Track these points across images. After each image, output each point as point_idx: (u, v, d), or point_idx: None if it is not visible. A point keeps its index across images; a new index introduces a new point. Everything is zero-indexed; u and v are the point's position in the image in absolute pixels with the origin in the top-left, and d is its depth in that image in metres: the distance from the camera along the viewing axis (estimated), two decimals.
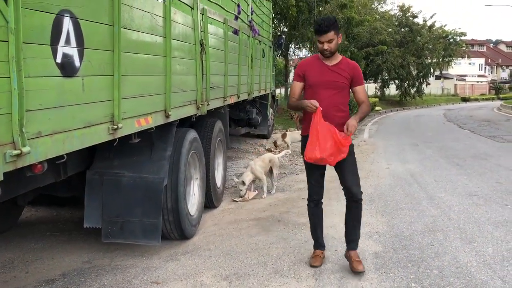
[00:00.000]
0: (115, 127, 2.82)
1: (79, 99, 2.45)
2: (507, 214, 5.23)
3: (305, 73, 3.68)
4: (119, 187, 3.82)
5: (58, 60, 2.24)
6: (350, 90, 3.75)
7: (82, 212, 3.85)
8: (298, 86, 3.73)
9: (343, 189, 3.73)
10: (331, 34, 3.48)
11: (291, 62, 30.98)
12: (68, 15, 2.31)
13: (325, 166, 3.71)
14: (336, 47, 3.56)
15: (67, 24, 2.29)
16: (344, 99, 3.69)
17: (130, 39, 3.03)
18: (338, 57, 3.67)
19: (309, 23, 19.14)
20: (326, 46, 3.51)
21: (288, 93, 30.07)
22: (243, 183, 6.04)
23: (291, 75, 35.54)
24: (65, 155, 2.39)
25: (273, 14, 15.31)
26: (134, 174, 3.86)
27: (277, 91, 23.13)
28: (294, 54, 31.89)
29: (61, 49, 2.26)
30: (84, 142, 2.52)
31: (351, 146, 3.63)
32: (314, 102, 3.49)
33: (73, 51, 2.36)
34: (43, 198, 4.88)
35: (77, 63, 2.40)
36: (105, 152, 3.87)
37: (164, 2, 3.66)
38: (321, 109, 3.49)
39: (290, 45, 26.27)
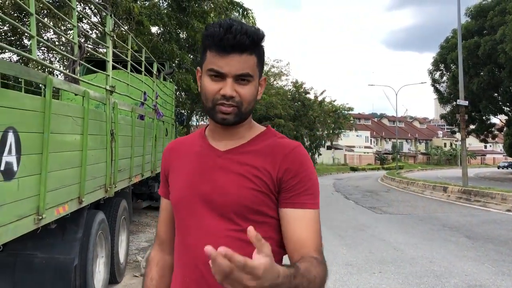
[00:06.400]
0: (40, 217, 3.30)
1: (15, 197, 2.94)
2: (373, 281, 6.20)
3: (169, 173, 1.52)
4: (32, 267, 4.15)
5: (2, 168, 2.74)
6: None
7: None
8: (164, 207, 1.57)
9: None
10: (249, 60, 1.32)
11: (192, 129, 32.01)
12: (12, 131, 2.85)
13: None
14: (253, 99, 1.38)
15: (10, 138, 2.82)
16: (267, 239, 1.03)
17: (55, 141, 3.57)
18: (253, 129, 1.46)
19: None
20: (230, 90, 1.30)
21: None
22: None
23: None
24: (1, 246, 2.83)
25: (176, 88, 16.23)
26: (46, 255, 4.22)
27: None
28: (197, 126, 32.94)
29: (5, 158, 2.77)
30: (16, 232, 2.98)
31: None
32: None
33: (13, 158, 2.88)
34: None
35: (15, 168, 2.91)
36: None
37: (83, 105, 4.25)
38: None
39: (192, 116, 27.31)
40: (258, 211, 1.33)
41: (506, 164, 64.06)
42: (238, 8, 17.28)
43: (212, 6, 16.56)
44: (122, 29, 12.41)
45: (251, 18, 17.61)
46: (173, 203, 1.46)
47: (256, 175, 1.34)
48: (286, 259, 1.36)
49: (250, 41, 1.30)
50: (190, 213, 1.38)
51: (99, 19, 15.18)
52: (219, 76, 1.30)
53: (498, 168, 63.49)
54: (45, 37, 15.28)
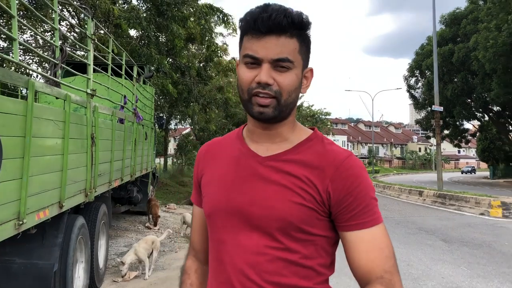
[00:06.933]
0: (21, 222, 3.25)
1: None
2: (353, 285, 6.25)
3: (202, 178, 1.37)
4: (10, 273, 4.08)
5: None
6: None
7: None
8: (197, 215, 1.44)
9: None
10: (288, 43, 1.16)
11: (170, 132, 31.75)
12: None
13: None
14: (294, 90, 1.20)
15: None
16: (312, 260, 1.21)
17: (37, 146, 3.53)
18: (297, 131, 1.29)
19: (189, 101, 20.22)
20: (265, 76, 1.15)
21: (167, 164, 30.65)
22: (122, 263, 6.36)
23: (170, 145, 36.14)
24: None
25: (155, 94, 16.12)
26: (25, 260, 4.16)
27: (157, 160, 23.50)
28: (175, 130, 32.72)
29: None
30: None
31: None
32: None
33: None
34: None
35: None
36: None
37: (64, 108, 4.21)
38: None
39: (170, 120, 27.14)
40: (303, 229, 1.18)
41: (469, 168, 65.15)
42: (218, 14, 17.28)
43: (192, 11, 16.52)
44: (101, 31, 12.30)
45: (231, 24, 17.59)
46: (206, 213, 1.31)
47: (303, 187, 1.18)
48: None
49: (289, 22, 1.15)
50: (224, 225, 1.24)
51: (77, 21, 15.02)
52: (255, 62, 1.17)
53: (462, 173, 63.92)
54: (21, 39, 15.01)
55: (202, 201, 1.34)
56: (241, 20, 1.20)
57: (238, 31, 1.24)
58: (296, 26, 1.16)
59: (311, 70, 1.27)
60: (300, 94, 1.26)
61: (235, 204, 1.21)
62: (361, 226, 1.18)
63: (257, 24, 1.14)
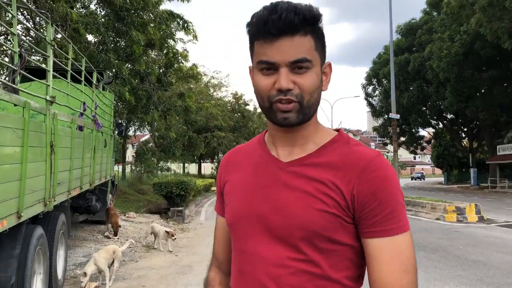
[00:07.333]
0: None
1: None
2: None
3: (224, 187, 1.33)
4: None
5: None
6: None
7: None
8: (220, 226, 1.39)
9: None
10: (304, 42, 1.10)
11: (129, 139, 31.21)
12: None
13: None
14: (316, 90, 1.14)
15: None
16: (338, 272, 1.13)
17: None
18: (321, 133, 1.23)
19: (148, 108, 19.94)
20: (285, 81, 1.09)
21: (125, 172, 30.11)
22: (85, 274, 6.21)
23: (128, 152, 35.51)
24: None
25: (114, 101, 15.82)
26: None
27: (115, 168, 22.95)
28: (134, 136, 32.21)
29: None
30: None
31: None
32: None
33: None
34: None
35: None
36: None
37: (23, 116, 4.09)
38: None
39: (129, 127, 26.68)
40: (328, 238, 1.10)
41: (419, 174, 66.31)
42: (179, 20, 17.16)
43: (152, 17, 16.35)
44: (58, 36, 12.01)
45: (191, 30, 17.49)
46: (228, 222, 1.26)
47: (326, 193, 1.11)
48: None
49: (301, 19, 1.07)
50: (247, 235, 1.18)
51: (32, 25, 14.58)
52: (271, 68, 1.10)
53: (412, 179, 63.52)
54: None
55: (225, 210, 1.30)
56: (248, 25, 1.13)
57: (246, 36, 1.17)
58: (308, 22, 1.09)
59: (330, 64, 1.20)
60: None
61: (257, 213, 1.16)
62: (384, 233, 1.09)
63: (268, 26, 1.07)
